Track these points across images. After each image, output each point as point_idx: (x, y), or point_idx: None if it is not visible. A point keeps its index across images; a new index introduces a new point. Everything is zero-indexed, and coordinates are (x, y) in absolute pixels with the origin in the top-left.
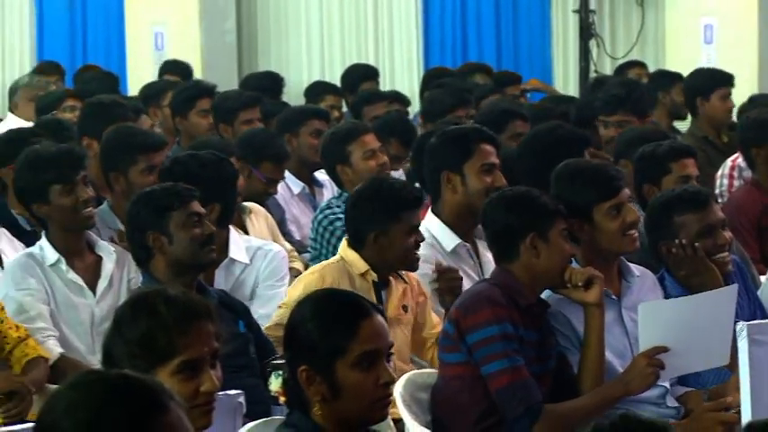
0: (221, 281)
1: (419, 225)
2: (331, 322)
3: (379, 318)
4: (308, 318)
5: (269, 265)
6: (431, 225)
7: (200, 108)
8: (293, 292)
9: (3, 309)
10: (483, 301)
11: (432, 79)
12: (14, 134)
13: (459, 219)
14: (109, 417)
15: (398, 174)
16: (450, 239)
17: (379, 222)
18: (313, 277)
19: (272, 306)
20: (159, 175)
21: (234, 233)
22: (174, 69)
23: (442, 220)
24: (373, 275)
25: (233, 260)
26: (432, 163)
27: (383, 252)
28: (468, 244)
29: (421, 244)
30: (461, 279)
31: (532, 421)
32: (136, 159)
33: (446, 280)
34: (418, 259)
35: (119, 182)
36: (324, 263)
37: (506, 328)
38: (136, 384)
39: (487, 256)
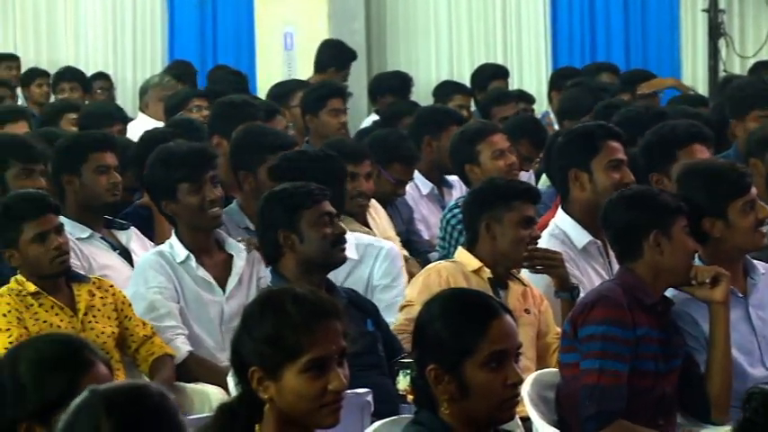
0: (330, 276)
1: (533, 220)
2: (460, 322)
3: (509, 318)
4: (436, 317)
5: (382, 264)
6: (562, 222)
7: (331, 107)
8: (411, 290)
9: (130, 306)
10: (598, 301)
11: (559, 79)
12: (151, 135)
13: (588, 216)
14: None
15: (528, 175)
16: (580, 236)
17: (490, 210)
18: (430, 275)
19: (393, 311)
20: (270, 173)
21: (359, 230)
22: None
23: (573, 218)
24: (487, 272)
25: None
26: (559, 161)
27: (495, 243)
28: (598, 241)
29: (551, 241)
30: (560, 261)
31: (600, 426)
32: (265, 159)
33: (540, 258)
34: (526, 254)
35: (248, 181)
36: (439, 262)
37: (613, 331)
38: (131, 397)
39: None
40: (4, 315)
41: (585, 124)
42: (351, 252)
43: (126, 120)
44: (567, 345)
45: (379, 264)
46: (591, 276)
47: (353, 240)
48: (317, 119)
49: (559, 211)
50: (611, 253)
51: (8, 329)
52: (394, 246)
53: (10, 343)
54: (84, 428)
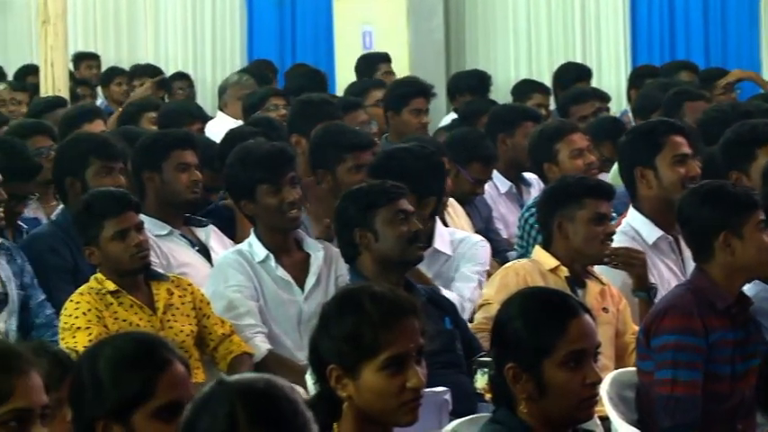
0: (424, 270)
1: (606, 216)
2: (540, 321)
3: (588, 317)
4: (515, 316)
5: (469, 249)
6: (632, 219)
7: (413, 107)
8: (489, 289)
9: (209, 305)
10: (670, 310)
11: (639, 77)
12: (234, 134)
13: (658, 212)
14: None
15: (609, 176)
16: (651, 232)
17: (562, 208)
18: (508, 274)
19: (468, 285)
20: (371, 172)
21: (439, 225)
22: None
23: (644, 215)
24: (564, 271)
25: (437, 251)
26: (624, 160)
27: (569, 242)
28: (670, 237)
29: (622, 238)
30: (642, 261)
31: None
32: (344, 157)
33: (623, 256)
34: (607, 251)
35: (326, 179)
36: (516, 261)
37: (684, 340)
38: (257, 393)
39: (689, 252)
40: (84, 314)
41: (647, 121)
42: (445, 247)
43: (205, 118)
44: (642, 352)
45: (466, 249)
46: (662, 272)
47: (448, 236)
48: (399, 117)
49: (630, 208)
50: (684, 248)
51: (88, 328)
52: (485, 240)
53: (89, 341)
54: (217, 419)
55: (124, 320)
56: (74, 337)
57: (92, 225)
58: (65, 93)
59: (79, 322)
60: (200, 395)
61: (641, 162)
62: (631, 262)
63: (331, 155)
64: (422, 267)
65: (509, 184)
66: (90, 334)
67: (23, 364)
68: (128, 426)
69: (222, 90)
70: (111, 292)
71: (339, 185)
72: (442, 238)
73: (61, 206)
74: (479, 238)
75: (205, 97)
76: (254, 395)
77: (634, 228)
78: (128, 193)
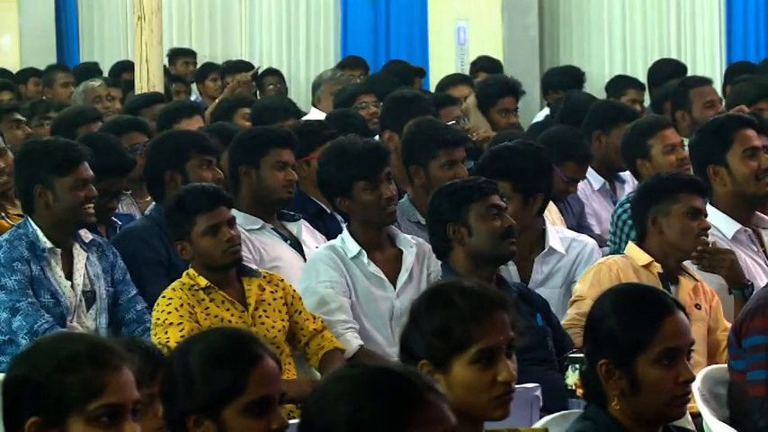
0: (539, 268)
1: (700, 211)
2: (634, 318)
3: (682, 315)
4: (610, 312)
5: (588, 260)
6: (711, 215)
7: (502, 106)
8: (582, 285)
9: (301, 300)
10: (759, 310)
11: (734, 73)
12: (309, 127)
13: (735, 208)
14: (366, 411)
15: None
16: (729, 226)
17: (657, 203)
18: (601, 270)
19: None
20: (477, 171)
21: (549, 223)
22: (353, 65)
23: (721, 210)
24: (657, 267)
25: (552, 249)
26: (696, 158)
27: (663, 236)
28: (748, 229)
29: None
30: (729, 261)
31: None
32: (436, 153)
33: (710, 258)
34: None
35: (418, 175)
36: (609, 257)
37: None
38: (394, 378)
39: None
40: (176, 309)
41: (715, 118)
42: (557, 245)
43: (299, 114)
44: (733, 352)
45: (584, 259)
46: (747, 264)
47: (558, 234)
48: (488, 116)
49: (708, 205)
50: (767, 242)
51: (180, 324)
52: (594, 242)
53: (182, 337)
54: (343, 406)
55: (216, 316)
56: (166, 332)
57: (184, 220)
58: (159, 89)
59: (171, 318)
60: (326, 381)
61: (713, 160)
62: (720, 264)
63: (424, 151)
64: (537, 266)
65: (602, 180)
66: (182, 330)
67: (116, 360)
68: (219, 421)
69: (316, 86)
70: (203, 288)
71: (431, 181)
72: (554, 236)
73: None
74: (590, 240)
75: (298, 93)
76: (383, 385)
77: (712, 224)
78: (220, 189)
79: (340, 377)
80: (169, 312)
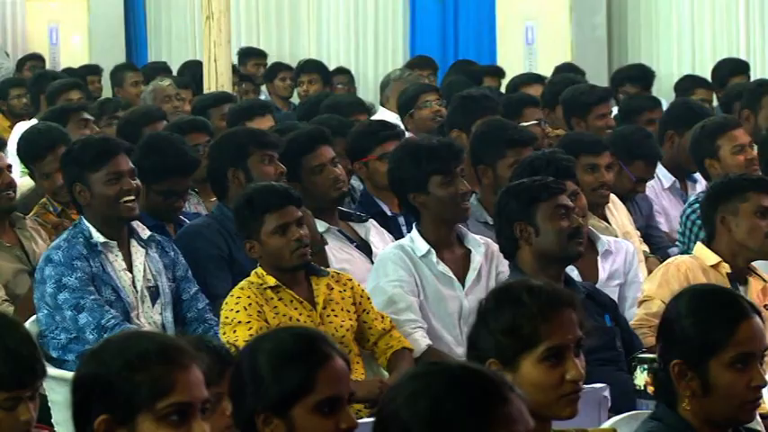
0: (603, 267)
1: None
2: (710, 321)
3: (758, 320)
4: (685, 313)
5: (628, 267)
6: None
7: (598, 113)
8: (650, 285)
9: (369, 300)
10: None
11: None
12: (367, 128)
13: None
14: (448, 407)
15: None
16: None
17: (725, 203)
18: (669, 270)
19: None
20: (529, 170)
21: (597, 225)
22: (422, 65)
23: None
24: (726, 267)
25: (609, 251)
26: (766, 158)
27: (732, 236)
28: None
29: None
30: None
31: None
32: (505, 153)
33: None
34: None
35: (487, 175)
36: (678, 257)
37: None
38: (476, 375)
39: None
40: (245, 308)
41: None
42: (610, 245)
43: (370, 111)
44: None
45: (627, 264)
46: None
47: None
48: (585, 122)
49: None
50: None
51: (248, 322)
52: (632, 245)
53: (250, 335)
54: (423, 403)
55: (284, 315)
56: (234, 331)
57: (253, 219)
58: (227, 88)
59: (240, 317)
60: (406, 377)
61: None
62: None
63: (492, 150)
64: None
65: (673, 179)
66: (250, 329)
67: (185, 359)
68: (288, 419)
69: (384, 85)
70: (272, 287)
71: (499, 181)
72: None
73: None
74: (628, 245)
75: (367, 92)
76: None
77: None
78: (289, 188)
79: (419, 374)
80: (237, 311)
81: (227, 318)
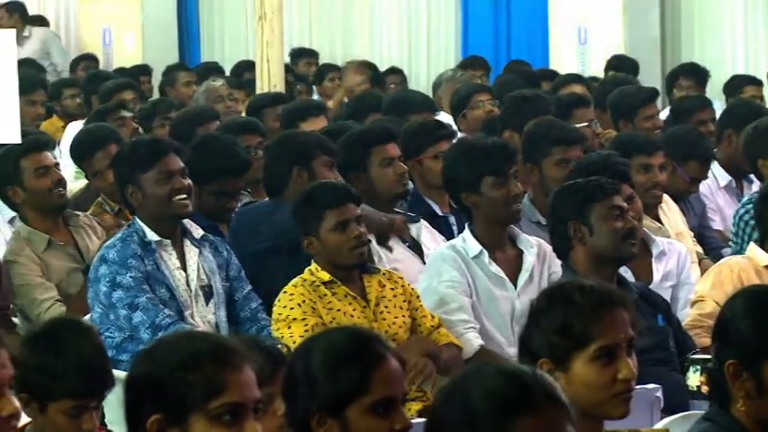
0: (657, 268)
1: None
2: (765, 322)
3: None
4: (741, 314)
5: (681, 268)
6: None
7: (645, 114)
8: (703, 286)
9: (419, 298)
10: None
11: None
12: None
13: None
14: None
15: None
16: None
17: None
18: (722, 270)
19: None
20: (585, 174)
21: (650, 226)
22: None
23: None
24: None
25: (663, 251)
26: None
27: None
28: None
29: None
30: None
31: None
32: (550, 151)
33: None
34: None
35: (534, 173)
36: (731, 257)
37: None
38: (513, 377)
39: None
40: (299, 305)
41: None
42: (663, 246)
43: (433, 109)
44: None
45: (679, 267)
46: None
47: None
48: (632, 124)
49: None
50: None
51: (304, 319)
52: (684, 246)
53: (306, 331)
54: (458, 405)
55: (338, 310)
56: (289, 327)
57: (313, 215)
58: (280, 89)
59: (294, 313)
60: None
61: None
62: None
63: (538, 149)
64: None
65: (729, 178)
66: (306, 325)
67: (237, 359)
68: (342, 420)
69: (437, 86)
70: (325, 283)
71: (545, 179)
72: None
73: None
74: (681, 247)
75: None
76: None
77: None
78: (348, 186)
79: (458, 377)
80: (291, 308)
81: (279, 315)
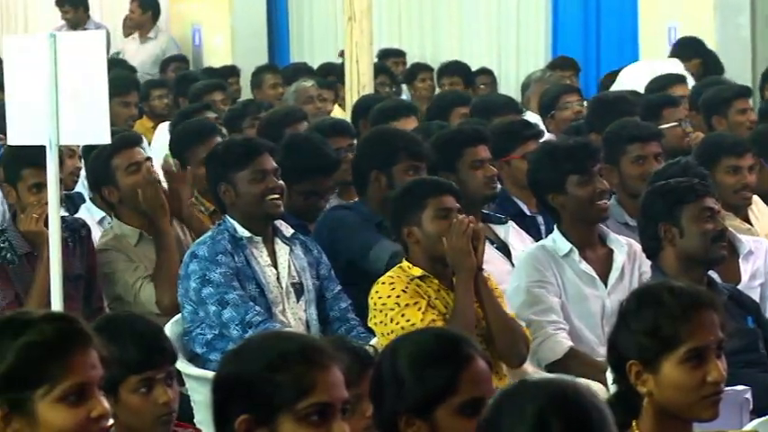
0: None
1: None
2: None
3: None
4: None
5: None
6: None
7: (738, 107)
8: None
9: (502, 297)
10: None
11: None
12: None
13: None
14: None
15: None
16: None
17: None
18: None
19: None
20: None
21: (739, 227)
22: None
23: None
24: None
25: (750, 251)
26: None
27: None
28: None
29: None
30: None
31: None
32: (626, 149)
33: None
34: None
35: (614, 174)
36: None
37: None
38: (556, 389)
39: None
40: (404, 291)
41: None
42: (749, 245)
43: (518, 110)
44: None
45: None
46: None
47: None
48: (726, 119)
49: None
50: None
51: (416, 303)
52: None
53: (423, 314)
54: (525, 422)
55: (437, 299)
56: (403, 315)
57: (413, 204)
58: (369, 90)
59: (403, 300)
60: (504, 393)
61: None
62: None
63: (616, 147)
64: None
65: None
66: (420, 309)
67: (325, 359)
68: (430, 421)
69: (525, 86)
70: (418, 278)
71: (623, 178)
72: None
73: None
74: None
75: (508, 93)
76: (564, 400)
77: None
78: (449, 181)
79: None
80: (398, 296)
81: (384, 304)
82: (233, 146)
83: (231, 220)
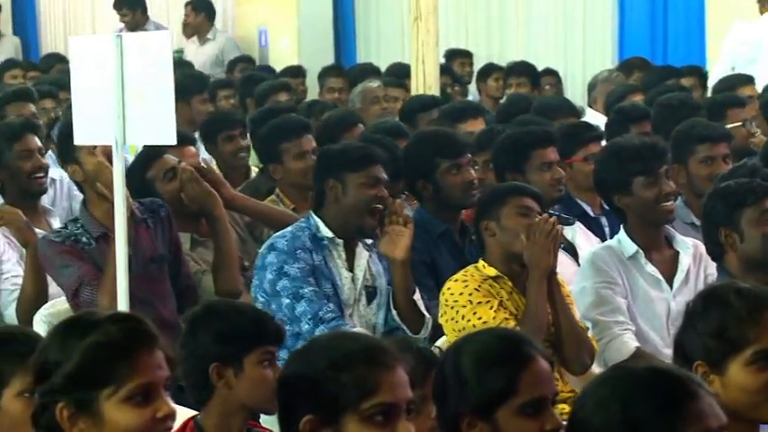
0: None
1: None
2: None
3: None
4: None
5: None
6: None
7: None
8: None
9: (569, 296)
10: None
11: None
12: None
13: None
14: (639, 409)
15: None
16: None
17: None
18: None
19: None
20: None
21: None
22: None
23: None
24: None
25: None
26: None
27: None
28: None
29: None
30: None
31: None
32: (695, 149)
33: None
34: None
35: (680, 174)
36: None
37: None
38: (663, 376)
39: None
40: (476, 289)
41: None
42: None
43: (577, 114)
44: None
45: None
46: None
47: None
48: None
49: None
50: None
51: (488, 301)
52: None
53: (495, 312)
54: (615, 406)
55: (509, 301)
56: (475, 313)
57: (495, 200)
58: (435, 90)
59: (476, 297)
60: (592, 386)
61: None
62: None
63: (683, 148)
64: None
65: None
66: (492, 307)
67: (390, 360)
68: (492, 422)
69: (592, 86)
70: (492, 278)
71: (692, 178)
72: None
73: None
74: None
75: (575, 94)
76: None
77: None
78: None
79: (607, 379)
80: (470, 294)
81: (456, 302)
82: (351, 148)
83: (316, 219)
